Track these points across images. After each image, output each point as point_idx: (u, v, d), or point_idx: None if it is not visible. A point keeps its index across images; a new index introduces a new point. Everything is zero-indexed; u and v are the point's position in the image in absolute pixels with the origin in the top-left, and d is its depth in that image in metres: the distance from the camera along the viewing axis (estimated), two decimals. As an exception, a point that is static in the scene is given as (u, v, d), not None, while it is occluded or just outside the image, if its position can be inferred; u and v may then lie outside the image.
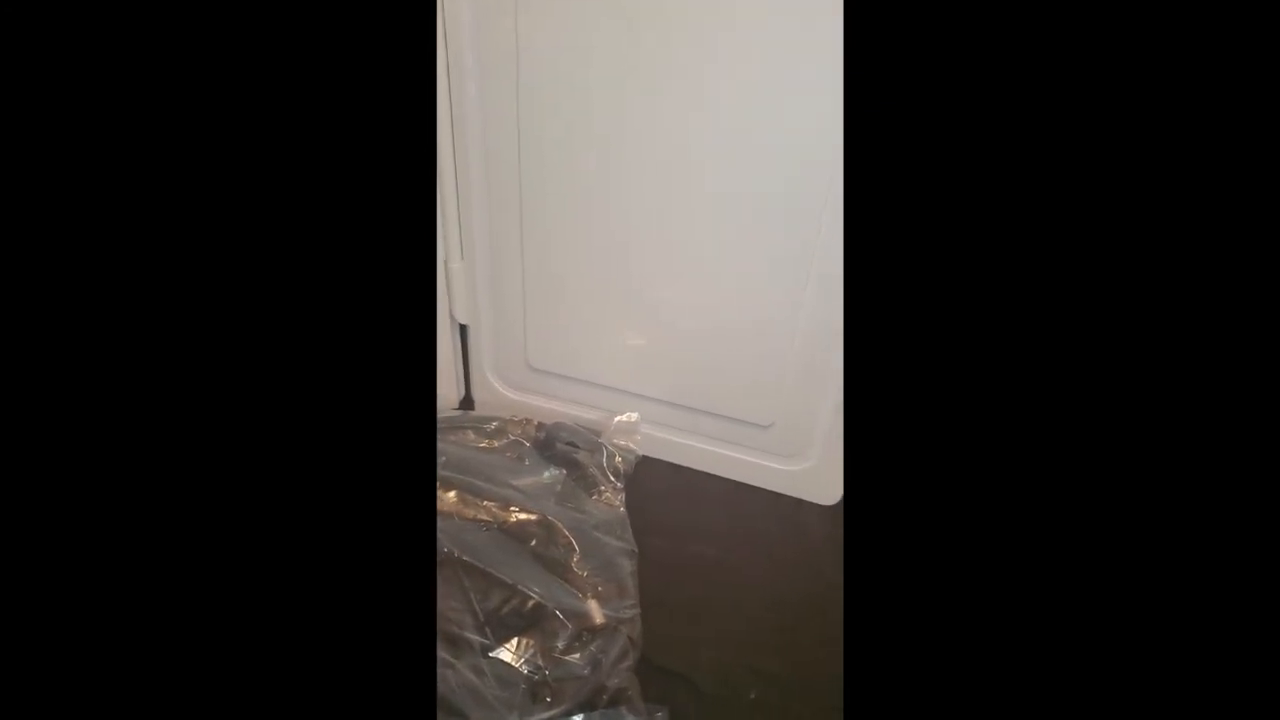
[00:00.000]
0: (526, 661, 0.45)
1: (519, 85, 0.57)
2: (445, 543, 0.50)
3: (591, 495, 0.58)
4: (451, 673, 0.42)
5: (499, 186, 0.62)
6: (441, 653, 0.44)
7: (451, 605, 0.46)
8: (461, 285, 0.66)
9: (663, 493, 0.66)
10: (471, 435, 0.61)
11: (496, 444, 0.60)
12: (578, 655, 0.46)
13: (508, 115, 0.58)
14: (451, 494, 0.53)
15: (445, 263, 0.65)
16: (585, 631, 0.48)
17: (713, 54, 0.52)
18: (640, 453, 0.67)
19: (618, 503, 0.58)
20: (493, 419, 0.64)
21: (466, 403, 0.72)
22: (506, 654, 0.45)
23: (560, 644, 0.46)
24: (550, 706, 0.43)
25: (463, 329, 0.69)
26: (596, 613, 0.49)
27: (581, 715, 0.43)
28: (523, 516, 0.53)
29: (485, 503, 0.53)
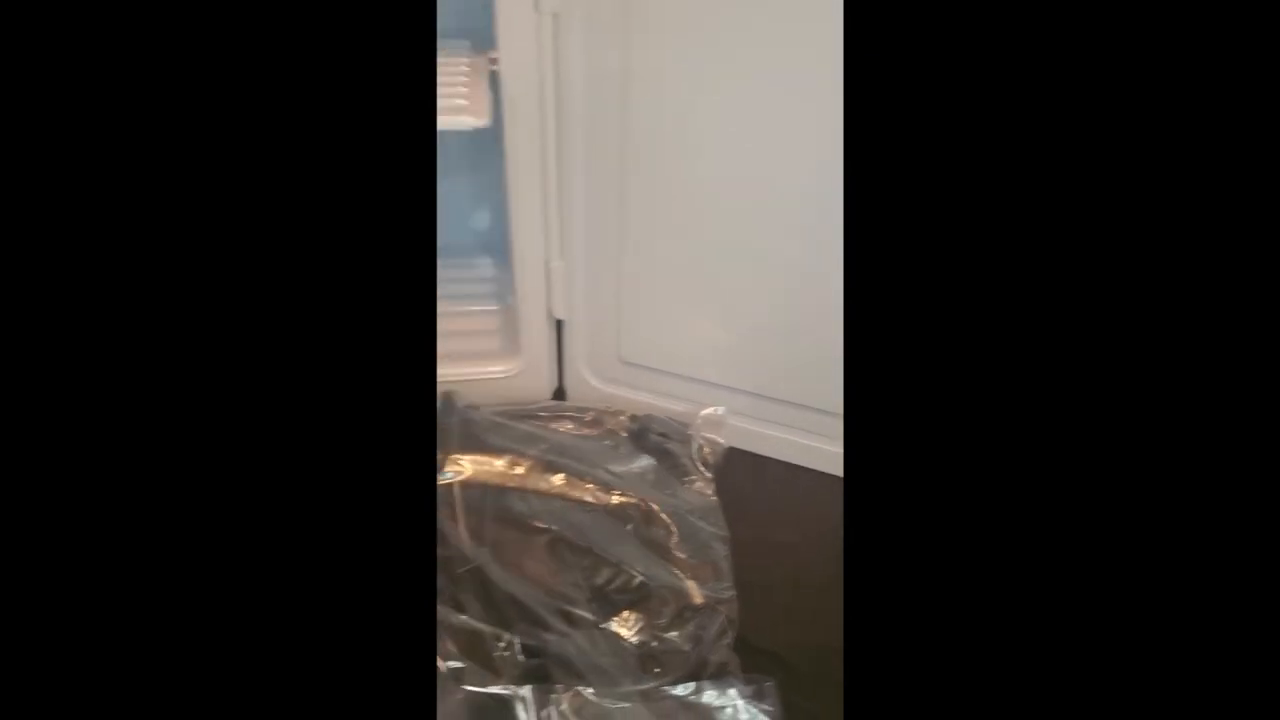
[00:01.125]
0: (635, 634, 0.47)
1: (626, 96, 0.60)
2: (553, 522, 0.53)
3: (684, 483, 0.60)
4: (569, 642, 0.45)
5: (600, 191, 0.65)
6: (557, 623, 0.46)
7: (563, 580, 0.49)
8: (560, 283, 0.69)
9: (750, 482, 0.68)
10: (570, 425, 0.64)
11: (594, 433, 0.63)
12: (680, 631, 0.48)
13: (611, 123, 0.61)
14: (559, 477, 0.56)
15: (546, 262, 0.68)
16: (686, 609, 0.50)
17: (802, 57, 0.54)
18: (727, 444, 0.69)
19: (709, 491, 0.61)
20: (589, 409, 0.67)
21: (559, 395, 0.75)
22: (616, 626, 0.48)
23: (664, 620, 0.49)
24: (659, 677, 0.45)
25: (558, 324, 0.73)
26: (696, 592, 0.52)
27: (693, 684, 0.45)
28: (623, 500, 0.56)
29: (588, 485, 0.56)
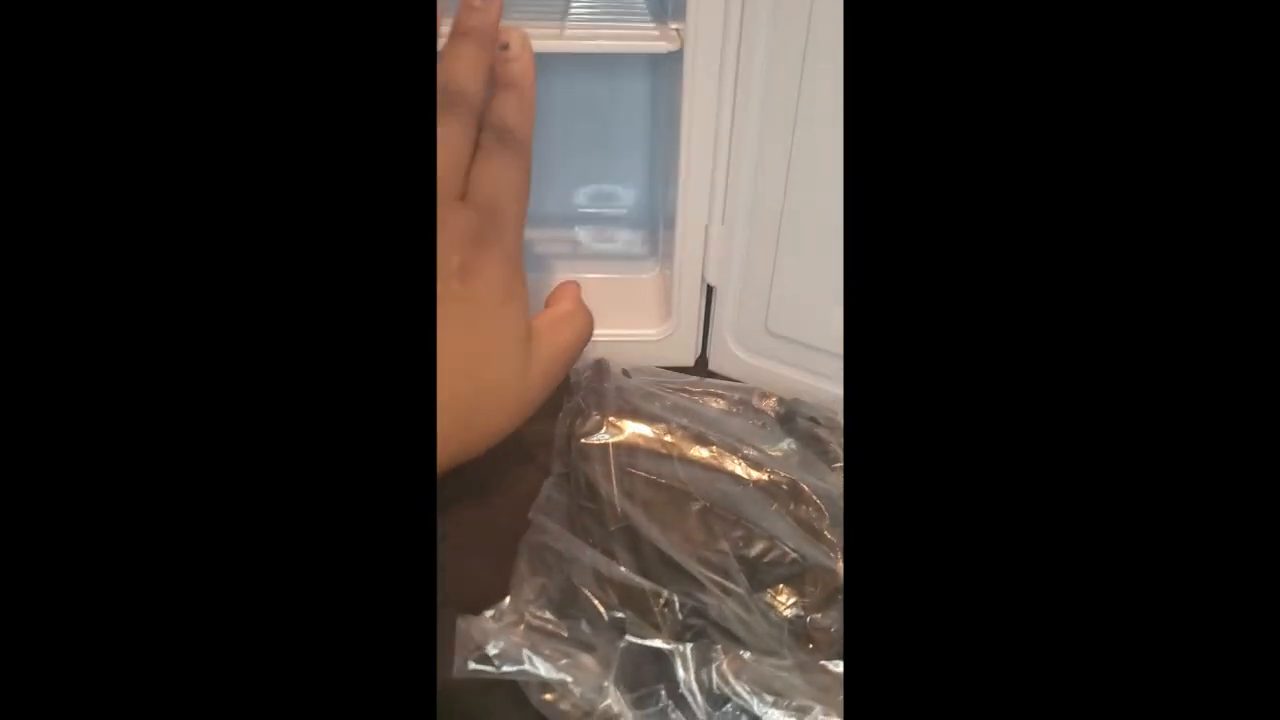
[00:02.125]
0: (789, 609, 0.47)
1: (805, 66, 0.58)
2: (705, 491, 0.53)
3: (832, 468, 0.59)
4: (726, 606, 0.46)
5: (768, 159, 0.64)
6: (712, 587, 0.47)
7: (717, 549, 0.49)
8: (717, 248, 0.69)
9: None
10: (716, 401, 0.64)
11: (742, 410, 0.63)
12: (833, 611, 0.48)
13: (789, 92, 0.60)
14: (710, 449, 0.56)
15: (706, 226, 0.68)
16: (838, 591, 0.49)
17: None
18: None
19: (858, 475, 0.60)
20: (736, 387, 0.67)
21: (701, 363, 0.75)
22: (771, 597, 0.48)
23: (816, 599, 0.48)
24: (813, 653, 0.45)
25: (709, 291, 0.72)
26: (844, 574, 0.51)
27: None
28: (773, 477, 0.56)
29: (739, 459, 0.56)
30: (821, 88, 0.59)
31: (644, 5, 0.66)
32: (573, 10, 0.65)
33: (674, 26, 0.61)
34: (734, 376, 0.72)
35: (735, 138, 0.64)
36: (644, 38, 0.61)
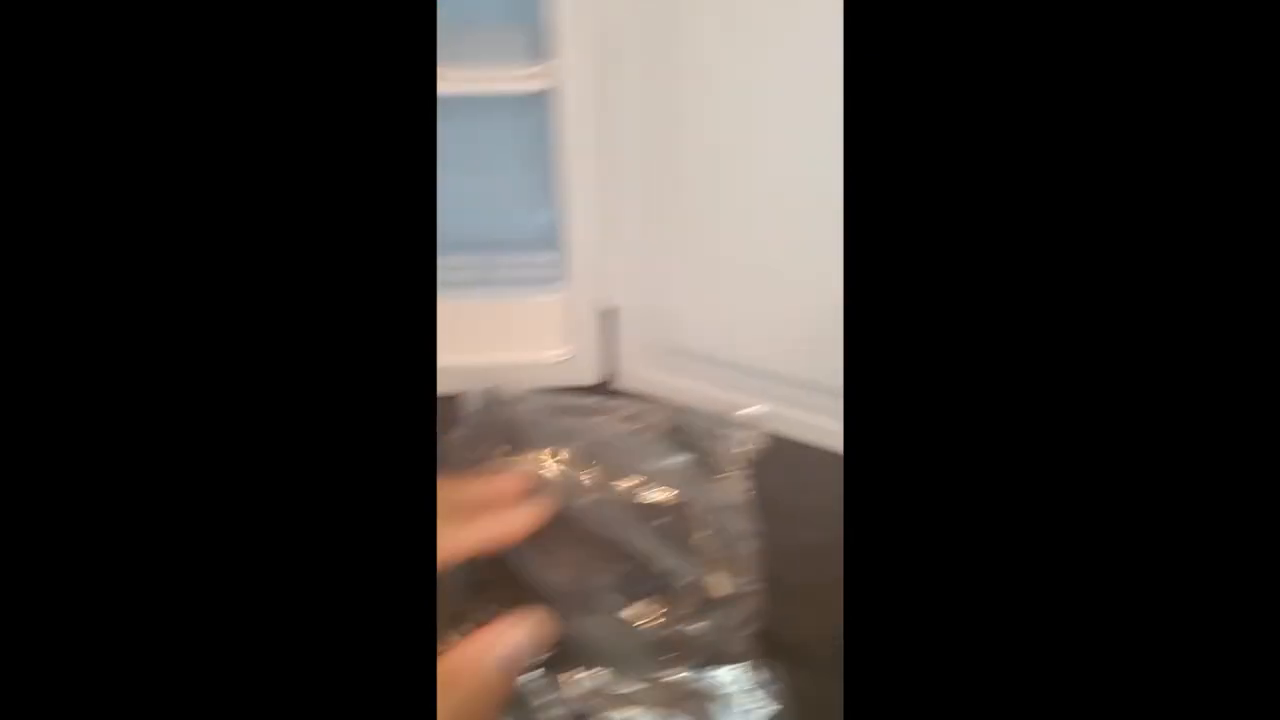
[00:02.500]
0: (655, 622, 0.50)
1: (679, 82, 0.61)
2: (584, 515, 0.56)
3: (717, 479, 0.62)
4: (591, 624, 0.48)
5: (653, 177, 0.66)
6: (578, 610, 0.50)
7: (590, 568, 0.52)
8: (610, 270, 0.71)
9: (789, 475, 0.70)
10: (610, 419, 0.66)
11: (630, 427, 0.66)
12: (700, 623, 0.51)
13: (666, 107, 0.62)
14: (589, 472, 0.59)
15: (596, 248, 0.70)
16: (708, 602, 0.53)
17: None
18: (768, 438, 0.70)
19: (743, 487, 0.63)
20: (630, 404, 0.69)
21: (606, 383, 0.78)
22: (637, 613, 0.51)
23: (685, 611, 0.51)
24: (676, 663, 0.48)
25: (609, 312, 0.75)
26: (719, 586, 0.54)
27: (699, 667, 0.48)
28: (654, 495, 0.58)
29: (620, 480, 0.59)
30: (699, 102, 0.62)
31: (520, 48, 0.69)
32: (454, 51, 0.67)
33: (547, 65, 0.63)
34: (639, 394, 0.74)
35: (616, 167, 0.66)
36: (516, 80, 0.63)
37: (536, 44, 0.67)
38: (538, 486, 0.52)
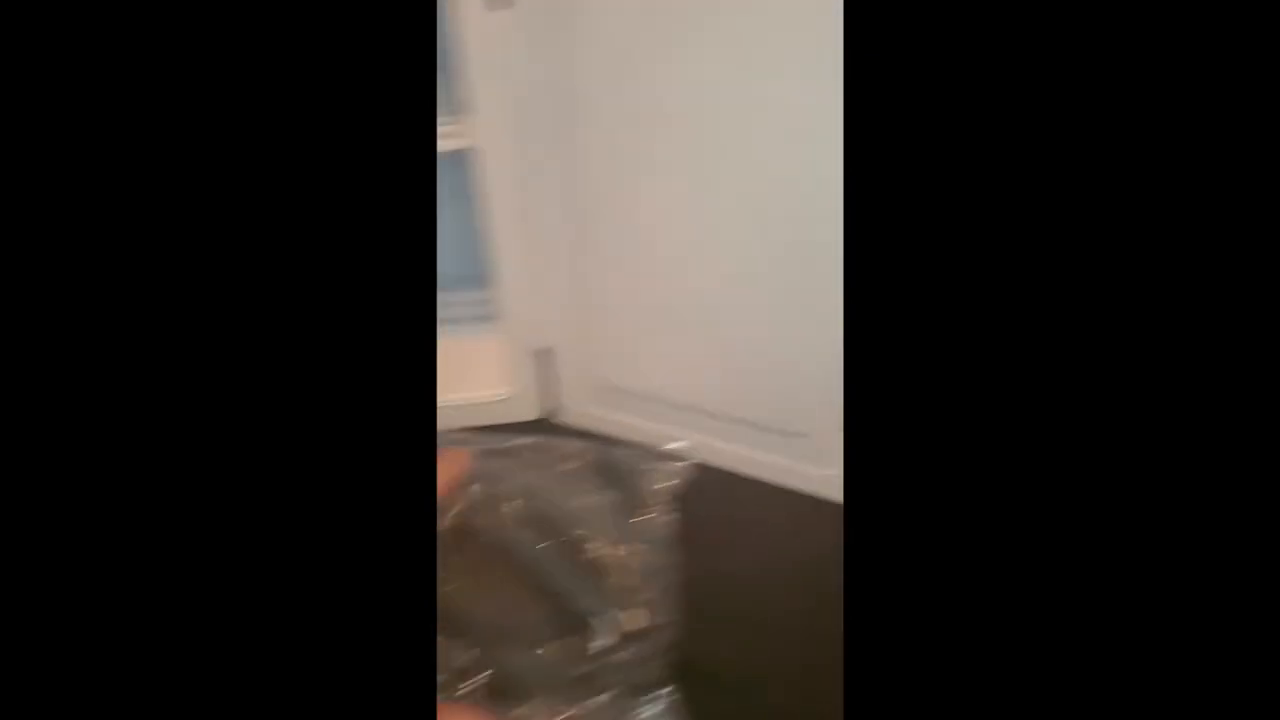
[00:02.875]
0: (572, 658, 0.53)
1: (599, 125, 0.64)
2: (503, 555, 0.59)
3: (640, 515, 0.66)
4: (509, 662, 0.52)
5: (580, 217, 0.69)
6: (500, 646, 0.53)
7: (510, 607, 0.55)
8: (543, 309, 0.74)
9: (712, 507, 0.73)
10: (535, 456, 0.69)
11: (556, 467, 0.69)
12: (613, 657, 0.54)
13: (588, 152, 0.65)
14: (510, 510, 0.62)
15: (528, 288, 0.73)
16: (625, 636, 0.56)
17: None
18: (696, 471, 0.74)
19: (664, 522, 0.66)
20: (560, 441, 0.72)
21: (544, 420, 0.80)
22: (555, 650, 0.54)
23: (599, 646, 0.55)
24: (596, 693, 0.52)
25: (538, 352, 0.78)
26: (636, 619, 0.57)
27: (604, 697, 0.51)
28: (576, 533, 0.61)
29: (542, 520, 0.62)
30: (619, 144, 0.64)
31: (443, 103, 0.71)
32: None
33: (463, 121, 0.66)
34: (564, 433, 0.77)
35: (539, 212, 0.69)
36: (441, 136, 0.66)
37: (450, 100, 0.70)
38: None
